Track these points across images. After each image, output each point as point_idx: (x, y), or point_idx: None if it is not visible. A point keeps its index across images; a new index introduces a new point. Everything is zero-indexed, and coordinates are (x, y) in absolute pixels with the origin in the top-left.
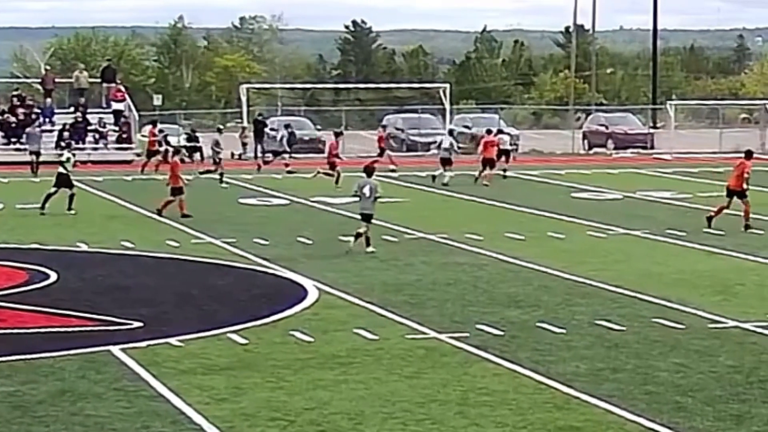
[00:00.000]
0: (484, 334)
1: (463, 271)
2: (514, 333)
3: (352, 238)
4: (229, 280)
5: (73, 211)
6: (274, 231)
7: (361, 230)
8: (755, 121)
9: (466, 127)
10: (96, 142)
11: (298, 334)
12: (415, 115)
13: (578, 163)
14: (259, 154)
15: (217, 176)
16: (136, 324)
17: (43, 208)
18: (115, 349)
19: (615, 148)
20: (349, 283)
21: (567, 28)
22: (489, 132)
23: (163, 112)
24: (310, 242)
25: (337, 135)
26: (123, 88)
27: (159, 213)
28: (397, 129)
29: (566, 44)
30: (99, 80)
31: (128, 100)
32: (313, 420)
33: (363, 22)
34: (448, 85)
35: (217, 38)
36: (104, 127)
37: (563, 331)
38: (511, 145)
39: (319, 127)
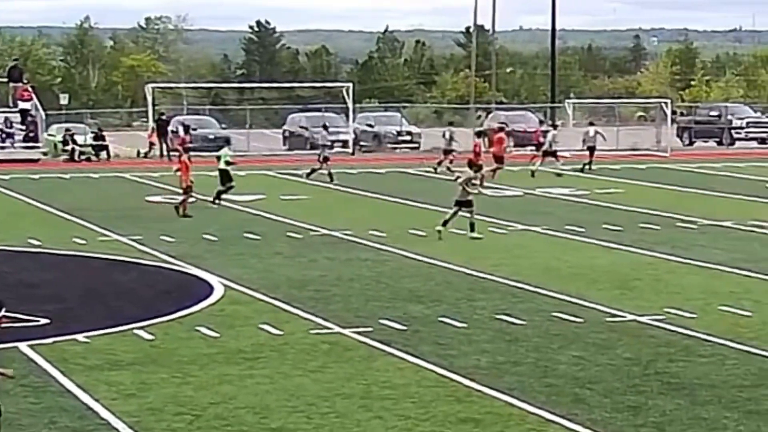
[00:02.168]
0: (388, 329)
1: (366, 267)
2: (416, 327)
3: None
4: (136, 276)
5: None
6: (180, 228)
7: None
8: (651, 119)
9: (369, 125)
10: (3, 141)
11: (204, 330)
12: (319, 114)
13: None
14: (164, 152)
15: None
16: (43, 320)
17: None
18: (23, 346)
19: (514, 146)
20: (254, 279)
21: (468, 29)
22: (501, 129)
23: (70, 111)
24: (215, 239)
25: (479, 135)
26: (30, 88)
27: (182, 213)
28: (301, 128)
29: (467, 44)
30: (5, 80)
31: (35, 99)
32: (218, 414)
33: (267, 22)
34: (351, 85)
35: (123, 38)
36: (11, 126)
37: (465, 325)
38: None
39: (224, 125)
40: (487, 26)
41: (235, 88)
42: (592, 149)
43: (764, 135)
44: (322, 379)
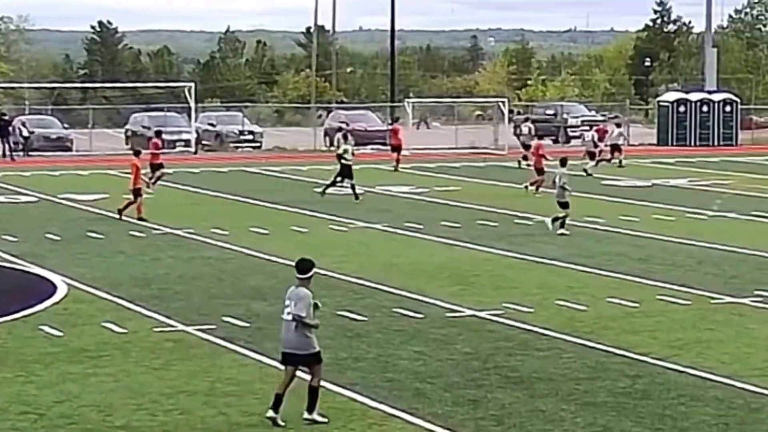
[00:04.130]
0: (231, 326)
1: (209, 265)
2: (259, 325)
3: (550, 222)
4: None
5: None
6: (22, 228)
7: (560, 215)
8: (489, 118)
9: (211, 125)
10: None
11: (47, 329)
12: (161, 114)
13: (320, 159)
14: (7, 152)
15: None
16: None
17: None
18: None
19: (355, 145)
20: (97, 278)
21: (308, 29)
22: (540, 137)
23: None
24: (58, 238)
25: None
26: None
27: (136, 216)
28: (144, 127)
29: (308, 44)
30: None
31: None
32: (63, 413)
33: (109, 22)
34: (192, 84)
35: None
36: None
37: None
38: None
39: (66, 125)
40: (328, 27)
41: (78, 88)
42: (615, 147)
43: None
44: (166, 376)
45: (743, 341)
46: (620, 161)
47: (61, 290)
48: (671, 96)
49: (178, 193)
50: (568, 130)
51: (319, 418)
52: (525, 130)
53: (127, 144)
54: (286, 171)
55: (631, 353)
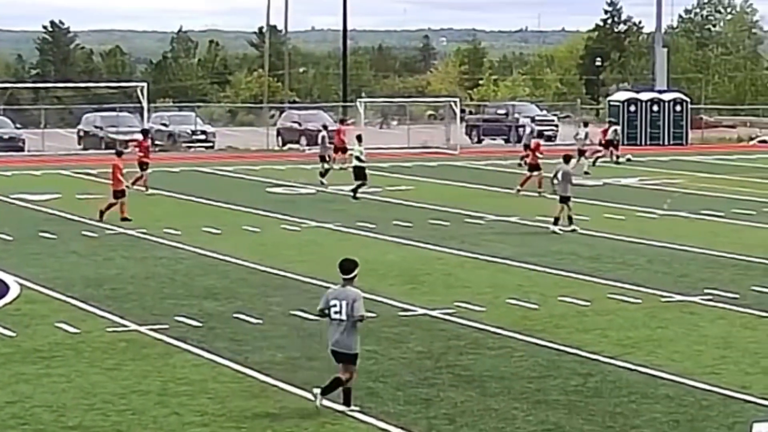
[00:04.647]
0: (183, 326)
1: (162, 265)
2: (212, 324)
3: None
4: None
5: None
6: None
7: (557, 213)
8: (441, 118)
9: (164, 125)
10: None
11: None
12: (114, 114)
13: (273, 159)
14: None
15: None
16: None
17: None
18: None
19: (308, 144)
20: (50, 278)
21: (261, 29)
22: (540, 135)
23: None
24: (10, 238)
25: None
26: None
27: (101, 216)
28: (96, 127)
29: (260, 44)
30: None
31: None
32: (15, 414)
33: (61, 22)
34: (145, 84)
35: None
36: None
37: (260, 321)
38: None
39: (18, 125)
40: (280, 27)
41: (30, 87)
42: (610, 143)
43: (550, 132)
44: (119, 376)
45: (693, 339)
46: (617, 157)
47: (14, 290)
48: (622, 96)
49: (130, 193)
50: (520, 129)
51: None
52: (528, 130)
53: (79, 144)
54: (239, 171)
55: (583, 351)
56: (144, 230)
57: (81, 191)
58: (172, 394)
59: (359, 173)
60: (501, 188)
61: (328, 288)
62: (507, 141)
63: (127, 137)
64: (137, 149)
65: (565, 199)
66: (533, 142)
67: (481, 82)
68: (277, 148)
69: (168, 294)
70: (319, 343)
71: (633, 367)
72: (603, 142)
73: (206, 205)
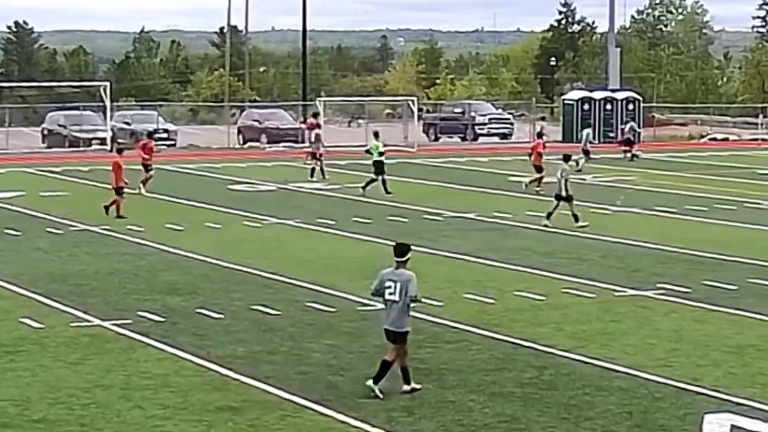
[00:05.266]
0: (147, 321)
1: (125, 261)
2: (175, 319)
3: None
4: None
5: None
6: None
7: (551, 209)
8: (398, 116)
9: (126, 123)
10: None
11: None
12: (77, 113)
13: (234, 156)
14: None
15: None
16: None
17: None
18: None
19: (268, 142)
20: (15, 273)
21: (222, 29)
22: (540, 135)
23: None
24: None
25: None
26: None
27: (107, 211)
28: (60, 126)
29: (221, 44)
30: None
31: None
32: None
33: (25, 22)
34: (108, 84)
35: None
36: None
37: (222, 316)
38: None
39: None
40: (241, 27)
41: None
42: (628, 141)
43: (505, 131)
44: (83, 370)
45: (646, 333)
46: (633, 154)
47: None
48: (576, 94)
49: (94, 191)
50: (476, 127)
51: (412, 387)
52: (537, 128)
53: (43, 142)
54: (201, 168)
55: (538, 345)
56: (108, 227)
57: (45, 189)
58: (135, 388)
59: (379, 168)
60: (458, 185)
61: (288, 283)
62: (464, 139)
63: (90, 135)
64: (141, 150)
65: (560, 197)
66: (534, 142)
67: (438, 81)
68: (238, 146)
69: (131, 289)
70: (280, 337)
71: (587, 359)
72: (621, 138)
73: (169, 202)
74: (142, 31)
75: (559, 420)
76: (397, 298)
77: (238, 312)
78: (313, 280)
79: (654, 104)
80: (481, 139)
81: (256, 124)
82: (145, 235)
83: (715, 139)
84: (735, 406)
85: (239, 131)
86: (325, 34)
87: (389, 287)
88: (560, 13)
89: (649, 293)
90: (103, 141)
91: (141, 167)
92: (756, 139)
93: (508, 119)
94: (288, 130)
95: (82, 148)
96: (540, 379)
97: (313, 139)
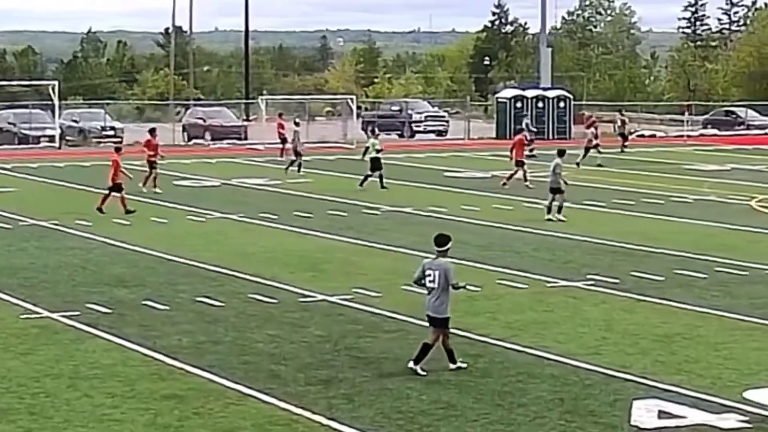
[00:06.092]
0: (94, 312)
1: (73, 255)
2: (121, 311)
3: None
4: None
5: None
6: None
7: (547, 202)
8: (338, 114)
9: (75, 121)
10: None
11: None
12: (26, 111)
13: (179, 153)
14: None
15: None
16: None
17: None
18: None
19: (212, 140)
20: None
21: (166, 30)
22: (521, 131)
23: None
24: None
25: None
26: None
27: (105, 210)
28: (9, 123)
29: (166, 44)
30: None
31: None
32: None
33: None
34: (56, 83)
35: None
36: None
37: (167, 308)
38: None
39: None
40: (185, 28)
41: None
42: (623, 135)
43: (441, 128)
44: (33, 361)
45: (577, 322)
46: (623, 148)
47: None
48: (509, 93)
49: (43, 186)
50: (413, 125)
51: (457, 366)
52: (522, 124)
53: None
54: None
55: (473, 334)
56: (56, 221)
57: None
58: (83, 378)
59: (375, 164)
60: (396, 181)
61: (232, 276)
62: (401, 136)
63: (39, 133)
64: (146, 148)
65: (554, 190)
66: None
67: (376, 80)
68: (182, 143)
69: (79, 282)
70: (224, 327)
71: (520, 348)
72: (620, 133)
73: (116, 197)
74: (89, 31)
75: (493, 407)
76: (436, 285)
77: (183, 303)
78: (255, 272)
79: (584, 102)
80: (417, 136)
81: (200, 122)
82: (92, 230)
83: (642, 135)
84: (662, 392)
85: (184, 129)
86: (267, 35)
87: (429, 275)
88: (494, 14)
89: (579, 284)
90: (51, 138)
91: (147, 166)
92: (681, 136)
93: (444, 117)
94: (231, 127)
95: (31, 145)
96: (474, 367)
97: (292, 138)
